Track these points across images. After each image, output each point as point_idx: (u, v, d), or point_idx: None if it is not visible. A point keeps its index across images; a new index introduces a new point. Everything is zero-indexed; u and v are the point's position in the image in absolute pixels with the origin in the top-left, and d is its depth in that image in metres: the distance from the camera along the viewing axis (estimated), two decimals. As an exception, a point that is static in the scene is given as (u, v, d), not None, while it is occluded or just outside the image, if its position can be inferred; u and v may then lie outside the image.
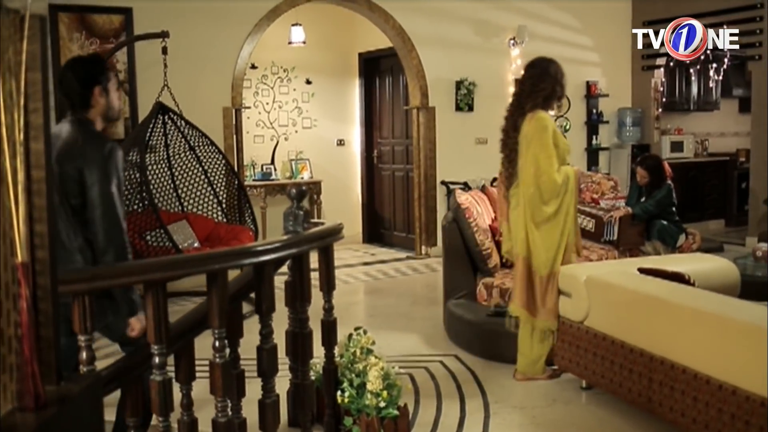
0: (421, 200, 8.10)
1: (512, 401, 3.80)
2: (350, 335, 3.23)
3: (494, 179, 8.00)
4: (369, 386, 3.00)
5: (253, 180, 8.36)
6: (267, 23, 7.00)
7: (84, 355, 2.30)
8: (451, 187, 7.75)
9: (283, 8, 7.04)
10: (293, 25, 8.13)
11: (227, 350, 2.53)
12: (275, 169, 8.63)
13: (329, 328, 3.17)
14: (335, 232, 3.12)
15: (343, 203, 9.23)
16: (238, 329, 2.75)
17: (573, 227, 3.95)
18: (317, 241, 3.00)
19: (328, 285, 3.15)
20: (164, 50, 5.47)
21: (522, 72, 4.19)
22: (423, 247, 8.14)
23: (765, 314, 2.86)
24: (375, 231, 9.34)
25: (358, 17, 8.08)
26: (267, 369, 2.77)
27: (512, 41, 8.43)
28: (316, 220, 3.27)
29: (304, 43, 8.31)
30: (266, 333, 2.76)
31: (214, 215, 6.21)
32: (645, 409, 3.29)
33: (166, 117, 5.87)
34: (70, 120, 3.09)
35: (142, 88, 6.32)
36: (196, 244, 5.67)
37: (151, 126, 5.72)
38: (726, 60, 8.99)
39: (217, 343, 2.52)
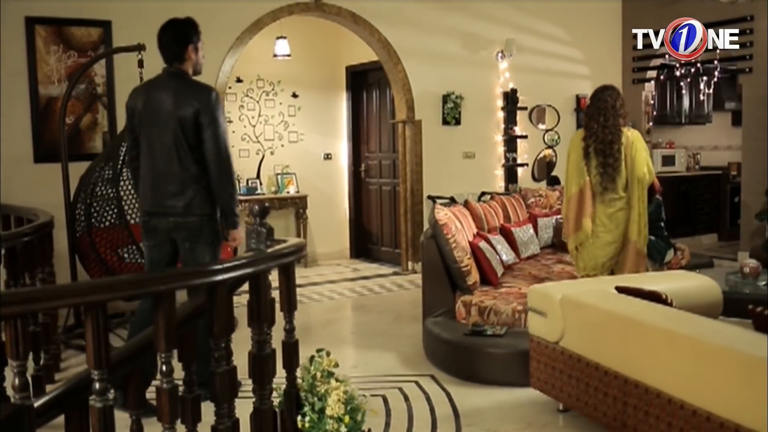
0: (407, 215, 7.99)
1: (486, 424, 3.67)
2: (312, 357, 3.11)
3: (482, 194, 7.90)
4: (328, 411, 2.88)
5: (238, 194, 8.22)
6: (249, 36, 6.91)
7: (17, 381, 2.19)
8: (438, 201, 7.63)
9: (265, 21, 6.96)
10: (278, 38, 8.04)
11: (176, 375, 2.42)
12: (261, 184, 8.52)
13: (290, 349, 3.05)
14: (295, 251, 3.01)
15: (330, 218, 9.12)
16: (193, 351, 2.64)
17: None
18: (276, 260, 2.89)
19: (289, 305, 3.03)
20: (140, 63, 5.34)
21: (596, 95, 4.71)
22: (409, 263, 8.02)
23: (741, 337, 2.75)
24: (363, 246, 9.21)
25: (345, 30, 7.99)
26: (220, 394, 2.65)
27: (500, 54, 8.34)
28: (279, 237, 3.14)
29: (289, 56, 8.21)
30: (219, 356, 2.64)
31: (193, 231, 6.09)
32: (620, 433, 3.16)
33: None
34: (169, 73, 3.82)
35: (120, 101, 6.18)
36: (172, 261, 5.55)
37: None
38: (716, 73, 8.90)
39: (163, 368, 2.42)
